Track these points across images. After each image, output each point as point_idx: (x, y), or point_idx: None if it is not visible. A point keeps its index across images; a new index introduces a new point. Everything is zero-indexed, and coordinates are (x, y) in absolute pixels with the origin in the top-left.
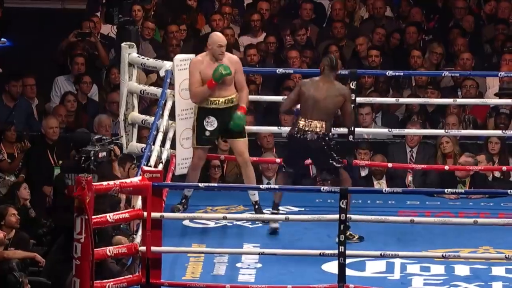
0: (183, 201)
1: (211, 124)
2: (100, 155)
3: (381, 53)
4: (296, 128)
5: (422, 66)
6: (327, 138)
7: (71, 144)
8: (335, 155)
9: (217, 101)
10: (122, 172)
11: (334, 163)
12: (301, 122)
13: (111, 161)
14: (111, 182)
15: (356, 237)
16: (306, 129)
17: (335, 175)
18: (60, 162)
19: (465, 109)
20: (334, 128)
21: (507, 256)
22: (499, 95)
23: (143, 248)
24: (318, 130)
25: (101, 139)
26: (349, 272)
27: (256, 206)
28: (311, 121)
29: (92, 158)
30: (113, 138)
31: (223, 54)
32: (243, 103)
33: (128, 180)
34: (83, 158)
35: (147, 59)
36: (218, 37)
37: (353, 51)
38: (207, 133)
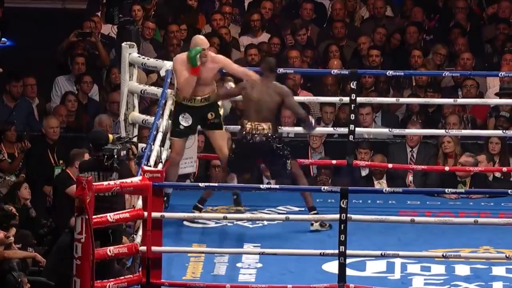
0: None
1: (186, 120)
2: (121, 153)
3: (381, 53)
4: (243, 132)
5: (423, 65)
6: (276, 139)
7: (89, 143)
8: (286, 153)
9: (193, 99)
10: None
11: (288, 162)
12: (248, 126)
13: (129, 160)
14: (112, 182)
15: (327, 225)
16: (254, 132)
17: (289, 173)
18: (61, 161)
19: (465, 109)
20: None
21: (507, 255)
22: (499, 94)
23: (143, 248)
24: (265, 132)
25: (121, 137)
26: (349, 272)
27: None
28: (258, 124)
29: (116, 156)
30: (130, 137)
31: (206, 56)
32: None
33: (128, 180)
34: (106, 156)
35: (148, 59)
36: (200, 40)
37: (354, 51)
38: (181, 127)
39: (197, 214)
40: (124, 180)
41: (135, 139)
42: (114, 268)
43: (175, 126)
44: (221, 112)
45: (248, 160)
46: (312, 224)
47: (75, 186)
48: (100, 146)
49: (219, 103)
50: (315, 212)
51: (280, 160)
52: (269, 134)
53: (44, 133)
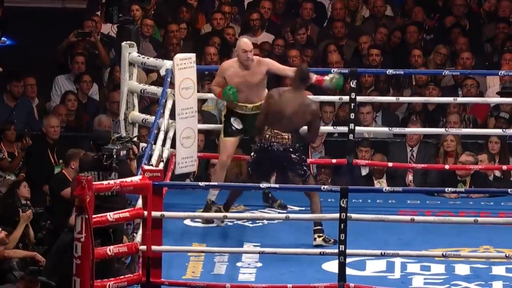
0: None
1: (238, 123)
2: (121, 153)
3: (382, 52)
4: (262, 139)
5: (424, 65)
6: (294, 149)
7: (90, 142)
8: (304, 167)
9: (244, 107)
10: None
11: (303, 173)
12: (268, 133)
13: (130, 160)
14: (112, 182)
15: (331, 241)
16: (273, 140)
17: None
18: (61, 161)
19: (466, 108)
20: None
21: (507, 255)
22: (501, 93)
23: (143, 247)
24: (284, 141)
25: (121, 137)
26: (349, 271)
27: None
28: (278, 133)
29: (115, 156)
30: (131, 137)
31: (250, 59)
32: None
33: (128, 179)
34: (105, 156)
35: (148, 58)
36: (242, 43)
37: (354, 50)
38: (233, 128)
39: (218, 214)
40: (124, 180)
41: (136, 139)
42: (113, 267)
43: (226, 126)
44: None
45: (266, 168)
46: (315, 239)
47: (70, 188)
48: (100, 146)
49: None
50: (320, 228)
51: (296, 172)
52: (288, 144)
53: (44, 132)
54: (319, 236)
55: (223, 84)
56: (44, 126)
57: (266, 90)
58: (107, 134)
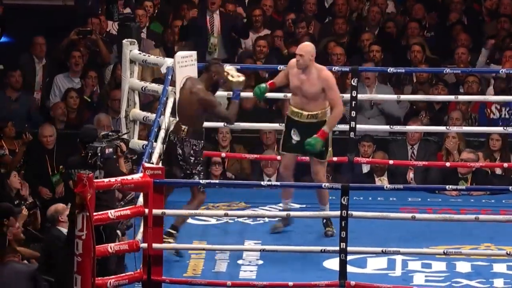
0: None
1: (296, 135)
2: (107, 151)
3: (382, 49)
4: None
5: (422, 62)
6: (184, 144)
7: (77, 140)
8: (189, 164)
9: (299, 114)
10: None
11: (187, 172)
12: (173, 123)
13: (118, 157)
14: (113, 179)
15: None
16: (173, 130)
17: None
18: (61, 167)
19: (469, 105)
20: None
21: (508, 252)
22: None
23: (144, 245)
24: (180, 133)
25: (108, 135)
26: (350, 269)
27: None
28: (178, 124)
29: (99, 154)
30: (119, 134)
31: (299, 61)
32: (327, 125)
33: (129, 177)
34: (90, 154)
35: (149, 55)
36: (310, 47)
37: (355, 47)
38: (293, 141)
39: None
40: (125, 177)
41: (126, 136)
42: (111, 265)
43: (286, 140)
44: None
45: (164, 159)
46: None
47: None
48: (86, 143)
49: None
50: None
51: (179, 167)
52: (182, 138)
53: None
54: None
55: (281, 79)
56: (38, 135)
57: (327, 102)
58: (93, 131)
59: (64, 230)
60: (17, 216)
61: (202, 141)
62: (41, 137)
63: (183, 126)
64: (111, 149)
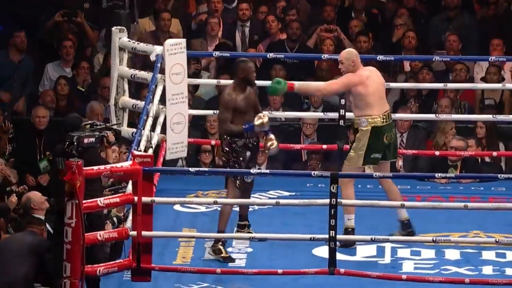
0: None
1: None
2: (85, 140)
3: (371, 37)
4: None
5: (415, 49)
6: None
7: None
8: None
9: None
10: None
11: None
12: None
13: (105, 148)
14: (102, 167)
15: (224, 253)
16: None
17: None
18: (47, 153)
19: (458, 93)
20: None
21: (497, 240)
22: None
23: (134, 233)
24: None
25: (94, 124)
26: (339, 256)
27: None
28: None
29: (75, 143)
30: (107, 124)
31: (340, 68)
32: (300, 84)
33: (118, 165)
34: (67, 142)
35: (138, 43)
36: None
37: (344, 34)
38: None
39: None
40: (114, 165)
41: (117, 126)
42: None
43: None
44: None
45: None
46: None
47: None
48: (69, 132)
49: None
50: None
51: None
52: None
53: (32, 122)
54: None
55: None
56: (32, 116)
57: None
58: (76, 120)
59: (41, 218)
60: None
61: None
62: (34, 118)
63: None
64: (92, 139)
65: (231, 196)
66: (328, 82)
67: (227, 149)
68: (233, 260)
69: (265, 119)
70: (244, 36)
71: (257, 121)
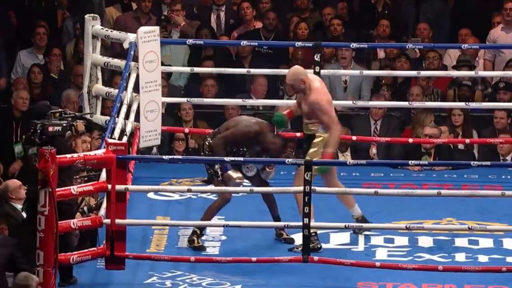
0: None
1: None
2: (50, 128)
3: (343, 23)
4: None
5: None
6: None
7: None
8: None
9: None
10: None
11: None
12: None
13: (74, 137)
14: (75, 155)
15: (196, 243)
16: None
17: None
18: (24, 136)
19: (429, 80)
20: None
21: (470, 227)
22: (456, 67)
23: (107, 221)
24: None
25: (63, 113)
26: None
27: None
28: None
29: (39, 131)
30: (77, 113)
31: (290, 90)
32: (327, 146)
33: (92, 153)
34: (31, 130)
35: (111, 31)
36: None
37: (317, 23)
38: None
39: None
40: (88, 153)
41: (89, 116)
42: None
43: None
44: None
45: None
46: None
47: None
48: (36, 120)
49: None
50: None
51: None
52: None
53: (13, 104)
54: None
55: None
56: (13, 98)
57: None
58: (44, 108)
59: (18, 207)
60: None
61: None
62: (16, 99)
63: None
64: (58, 128)
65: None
66: (325, 121)
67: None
68: (203, 248)
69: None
70: (219, 20)
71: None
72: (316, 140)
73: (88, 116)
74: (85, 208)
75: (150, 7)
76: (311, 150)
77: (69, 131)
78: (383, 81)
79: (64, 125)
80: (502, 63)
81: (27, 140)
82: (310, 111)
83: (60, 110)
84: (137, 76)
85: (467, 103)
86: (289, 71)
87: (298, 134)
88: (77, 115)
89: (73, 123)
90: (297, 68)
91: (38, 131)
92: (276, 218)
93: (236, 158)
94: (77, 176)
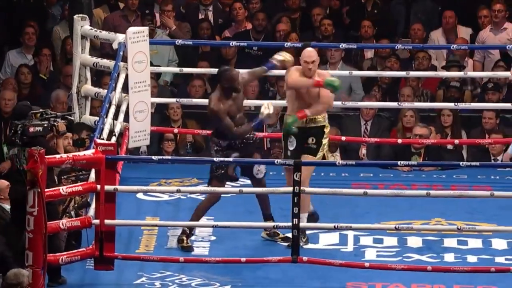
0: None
1: (293, 143)
2: (31, 129)
3: (333, 23)
4: None
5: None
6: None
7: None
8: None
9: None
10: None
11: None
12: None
13: (55, 137)
14: (65, 155)
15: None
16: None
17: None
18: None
19: (419, 81)
20: None
21: (458, 227)
22: (446, 67)
23: (96, 221)
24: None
25: (44, 113)
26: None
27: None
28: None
29: (19, 132)
30: (58, 113)
31: (312, 69)
32: (310, 109)
33: (81, 153)
34: (12, 131)
35: (100, 31)
36: (306, 53)
37: (307, 23)
38: (288, 153)
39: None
40: (77, 153)
41: (73, 116)
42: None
43: (284, 154)
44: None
45: None
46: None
47: None
48: (17, 120)
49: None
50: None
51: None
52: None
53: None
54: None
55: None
56: None
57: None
58: (24, 108)
59: (7, 207)
60: None
61: (224, 142)
62: (0, 100)
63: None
64: (39, 128)
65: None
66: (325, 95)
67: (213, 152)
68: (191, 249)
69: (271, 109)
70: (208, 21)
71: (264, 111)
72: (327, 130)
73: (70, 117)
74: (72, 212)
75: (137, 4)
76: (324, 141)
77: (51, 132)
78: (379, 81)
79: (45, 125)
80: (491, 64)
81: (8, 141)
82: (315, 93)
83: (41, 110)
84: (126, 76)
85: (456, 103)
86: (311, 50)
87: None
88: (58, 115)
89: (54, 123)
90: (313, 49)
91: (19, 131)
92: (268, 217)
93: (225, 159)
94: (65, 176)
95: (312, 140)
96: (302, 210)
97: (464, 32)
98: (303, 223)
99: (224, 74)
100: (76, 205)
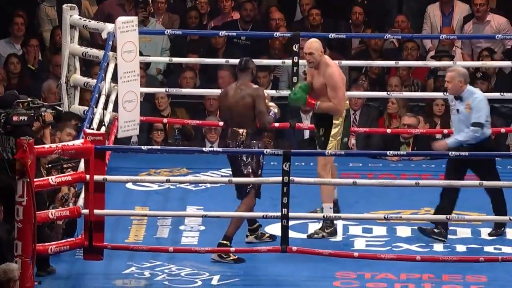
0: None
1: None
2: (15, 118)
3: (322, 12)
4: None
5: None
6: (245, 147)
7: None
8: (248, 166)
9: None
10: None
11: (244, 171)
12: (229, 133)
13: (42, 127)
14: (53, 145)
15: (266, 236)
16: (229, 140)
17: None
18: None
19: (409, 71)
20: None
21: (447, 217)
22: (435, 57)
23: (86, 211)
24: (240, 138)
25: (31, 102)
26: (292, 234)
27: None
28: (235, 130)
29: (2, 120)
30: (45, 103)
31: (309, 61)
32: (320, 103)
33: (70, 143)
34: None
35: (89, 21)
36: (306, 44)
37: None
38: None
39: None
40: (66, 143)
41: (61, 106)
42: (45, 233)
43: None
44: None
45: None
46: (247, 236)
47: None
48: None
49: None
50: (255, 227)
51: (238, 167)
52: (242, 141)
53: None
54: (252, 234)
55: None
56: None
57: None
58: (10, 97)
59: None
60: None
61: (260, 142)
62: None
63: (241, 130)
64: (24, 117)
65: (246, 205)
66: (332, 97)
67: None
68: (243, 260)
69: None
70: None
71: (274, 109)
72: (336, 121)
73: (59, 107)
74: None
75: None
76: (333, 131)
77: (37, 121)
78: (369, 72)
79: (31, 114)
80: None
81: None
82: (322, 87)
83: (28, 99)
84: (116, 66)
85: (444, 93)
86: (311, 40)
87: (276, 124)
88: (45, 105)
89: (41, 113)
90: (318, 40)
91: (2, 120)
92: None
93: (220, 149)
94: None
95: (322, 130)
96: (327, 200)
97: (461, 7)
98: (293, 213)
99: (252, 63)
100: (74, 194)
